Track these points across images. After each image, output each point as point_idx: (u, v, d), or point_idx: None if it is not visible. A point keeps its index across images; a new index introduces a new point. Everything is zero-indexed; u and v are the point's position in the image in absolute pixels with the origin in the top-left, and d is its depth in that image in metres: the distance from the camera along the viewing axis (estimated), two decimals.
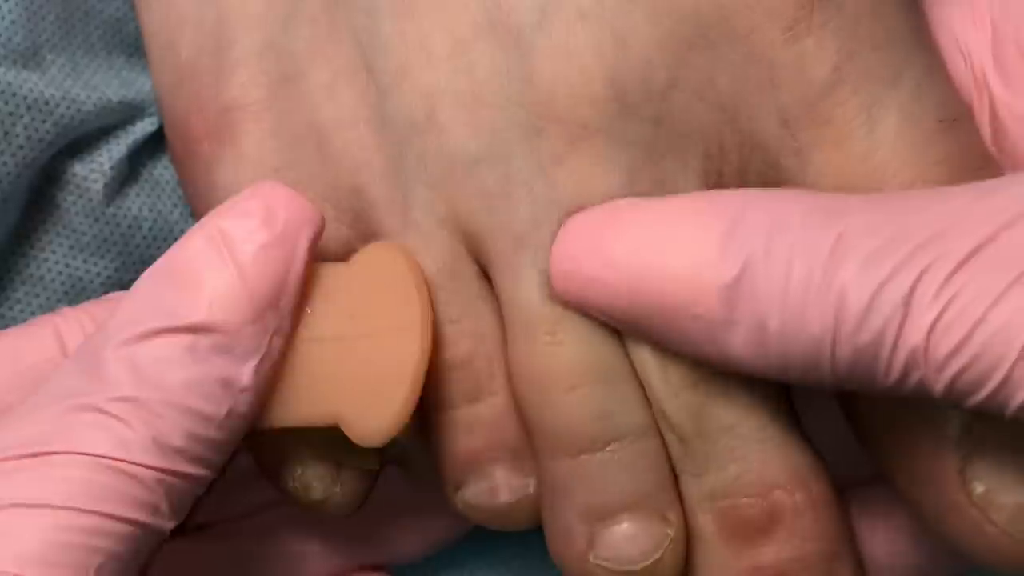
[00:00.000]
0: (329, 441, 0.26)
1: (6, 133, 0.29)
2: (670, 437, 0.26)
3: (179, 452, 0.24)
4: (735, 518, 0.26)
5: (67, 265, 0.31)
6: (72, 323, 0.27)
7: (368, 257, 0.26)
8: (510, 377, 0.26)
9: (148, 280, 0.25)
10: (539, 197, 0.26)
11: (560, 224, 0.26)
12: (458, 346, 0.27)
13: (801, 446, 0.26)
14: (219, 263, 0.25)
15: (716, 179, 0.26)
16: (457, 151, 0.26)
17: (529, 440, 0.27)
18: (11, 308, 0.31)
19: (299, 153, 0.27)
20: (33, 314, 0.31)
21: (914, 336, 0.22)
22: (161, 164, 0.32)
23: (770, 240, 0.23)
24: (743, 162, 0.26)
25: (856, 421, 0.27)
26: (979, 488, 0.24)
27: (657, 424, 0.26)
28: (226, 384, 0.24)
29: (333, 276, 0.26)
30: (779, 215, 0.23)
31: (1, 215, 0.30)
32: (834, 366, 0.23)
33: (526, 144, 0.26)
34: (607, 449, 0.26)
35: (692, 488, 0.26)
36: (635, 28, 0.25)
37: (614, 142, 0.25)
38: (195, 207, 0.30)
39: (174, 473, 0.24)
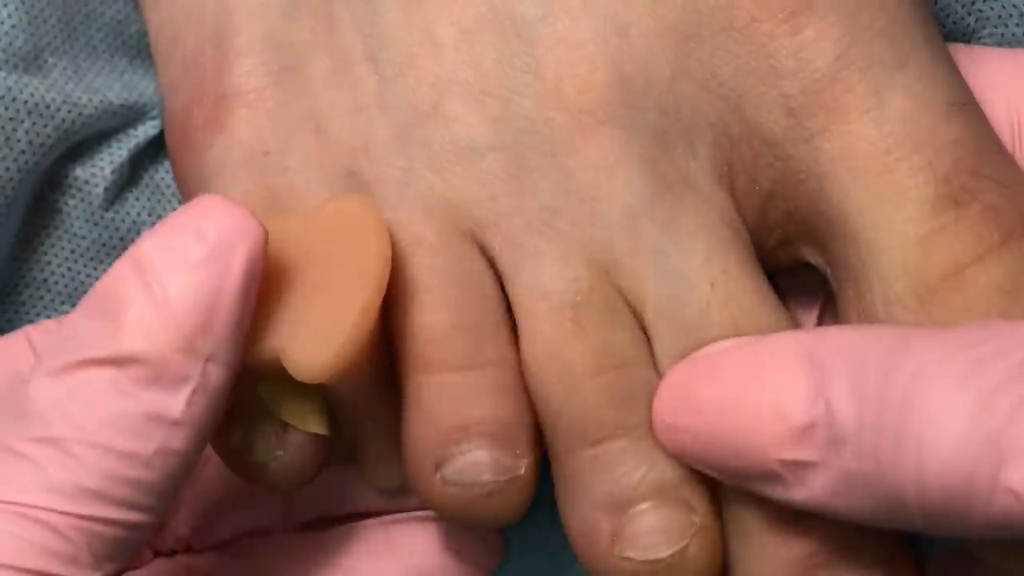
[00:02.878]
0: (276, 398, 0.26)
1: (7, 138, 0.29)
2: None
3: (98, 495, 0.22)
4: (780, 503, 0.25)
5: (69, 269, 0.31)
6: (45, 333, 0.27)
7: (333, 207, 0.26)
8: (529, 366, 0.26)
9: (78, 311, 0.24)
10: (553, 186, 0.26)
11: (575, 214, 0.26)
12: (465, 309, 0.26)
13: None
14: (141, 288, 0.23)
15: (727, 170, 0.26)
16: (465, 140, 0.26)
17: (545, 432, 0.26)
18: (16, 312, 0.31)
19: (295, 139, 0.27)
20: (38, 316, 0.31)
21: (1014, 478, 0.21)
22: (163, 168, 0.32)
23: (848, 383, 0.23)
24: (754, 155, 0.26)
25: None
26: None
27: None
28: (154, 419, 0.23)
29: (292, 223, 0.26)
30: (860, 357, 0.23)
31: (4, 220, 0.30)
32: (923, 511, 0.22)
33: (534, 134, 0.26)
34: (627, 437, 0.26)
35: None
36: (637, 20, 0.26)
37: (625, 132, 0.26)
38: (186, 200, 0.30)
39: (93, 519, 0.22)
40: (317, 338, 0.25)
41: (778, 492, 0.24)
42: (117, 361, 0.23)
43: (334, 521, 0.30)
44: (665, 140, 0.26)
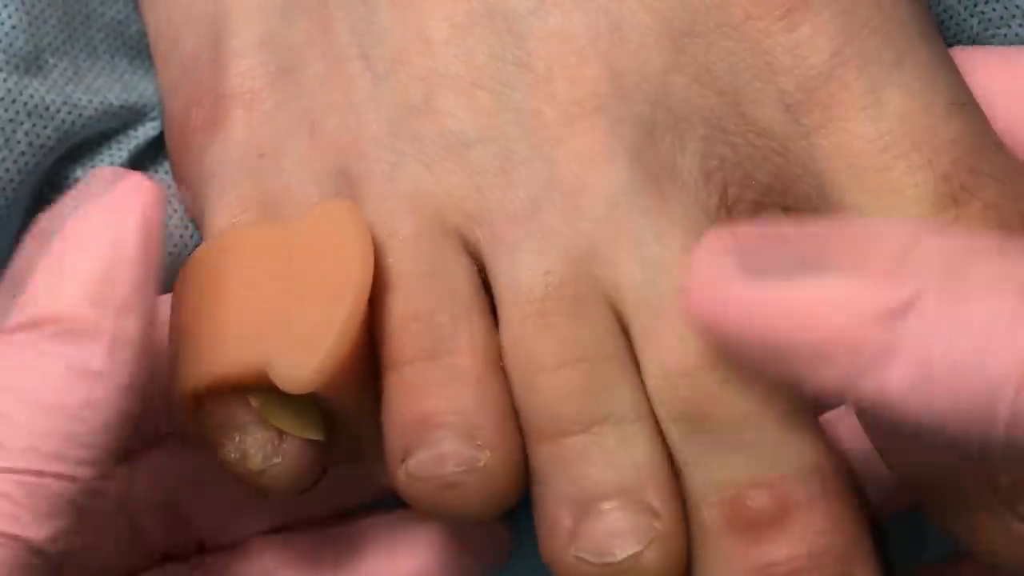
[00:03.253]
0: (268, 406, 0.26)
1: (7, 140, 0.29)
2: (672, 424, 0.25)
3: (29, 450, 0.23)
4: (742, 510, 0.25)
5: None
6: None
7: (316, 214, 0.26)
8: (504, 360, 0.26)
9: None
10: (538, 177, 0.26)
11: (558, 205, 0.26)
12: (420, 299, 0.26)
13: (816, 435, 0.25)
14: (43, 255, 0.24)
15: (716, 165, 0.26)
16: (454, 133, 0.26)
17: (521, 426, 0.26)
18: None
19: (290, 140, 0.28)
20: None
21: None
22: (163, 169, 0.32)
23: (947, 272, 0.21)
24: (750, 149, 0.26)
25: (873, 424, 0.26)
26: (1005, 480, 0.23)
27: (652, 411, 0.25)
28: (76, 371, 0.24)
29: (275, 232, 0.26)
30: (956, 250, 0.22)
31: (4, 221, 0.30)
32: (1013, 417, 0.21)
33: (523, 126, 0.26)
34: (590, 432, 0.25)
35: (696, 479, 0.25)
36: (630, 15, 0.26)
37: (612, 123, 0.26)
38: (186, 201, 0.30)
39: (28, 472, 0.23)
40: (302, 349, 0.25)
41: (836, 384, 0.22)
42: (31, 324, 0.24)
43: (351, 512, 0.30)
44: (653, 132, 0.26)
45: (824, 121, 0.25)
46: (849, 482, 0.25)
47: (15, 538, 0.23)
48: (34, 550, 0.23)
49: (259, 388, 0.26)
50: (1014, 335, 0.20)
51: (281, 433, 0.26)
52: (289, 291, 0.25)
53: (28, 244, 0.25)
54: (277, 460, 0.26)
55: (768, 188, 0.26)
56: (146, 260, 0.24)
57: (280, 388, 0.25)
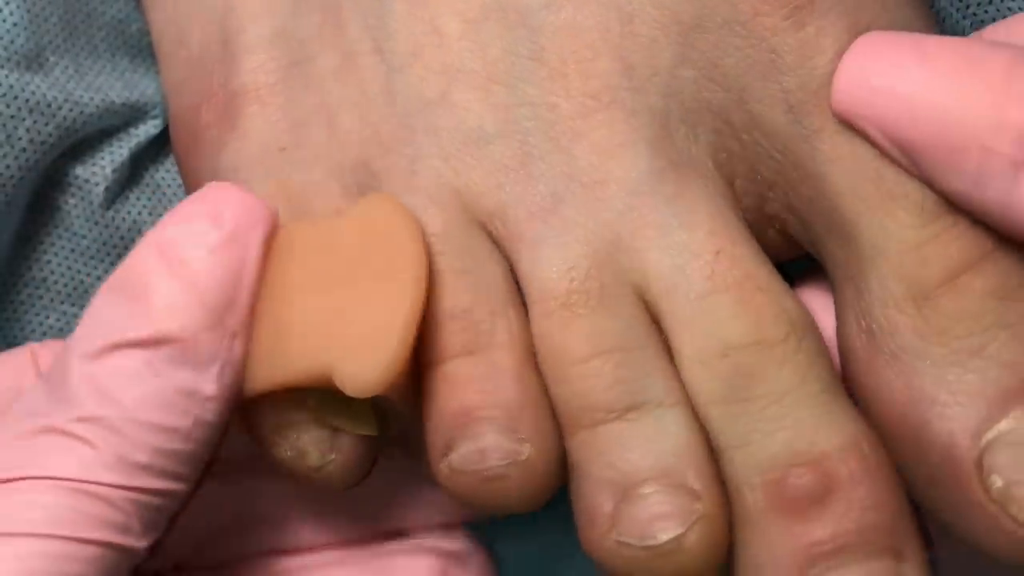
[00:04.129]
0: (325, 405, 0.26)
1: (8, 136, 0.29)
2: (710, 408, 0.25)
3: (146, 468, 0.24)
4: (785, 490, 0.25)
5: (69, 268, 0.31)
6: (48, 349, 0.27)
7: (363, 209, 0.26)
8: (536, 356, 0.26)
9: (102, 295, 0.25)
10: (557, 171, 0.26)
11: (579, 198, 0.26)
12: (458, 296, 0.26)
13: (853, 411, 0.25)
14: (167, 272, 0.24)
15: (725, 157, 0.26)
16: (472, 128, 0.26)
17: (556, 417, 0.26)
18: (15, 311, 0.31)
19: (307, 133, 0.28)
20: (37, 315, 0.31)
21: None
22: (163, 168, 0.32)
23: None
24: (755, 145, 0.26)
25: (868, 418, 0.26)
26: (998, 482, 0.23)
27: (687, 397, 0.25)
28: (189, 394, 0.24)
29: (326, 230, 0.26)
30: None
31: (4, 218, 0.30)
32: None
33: (539, 120, 0.26)
34: (626, 419, 0.25)
35: (736, 462, 0.25)
36: (640, 9, 0.26)
37: (628, 115, 0.26)
38: None
39: (142, 490, 0.24)
40: (365, 353, 0.25)
41: (964, 186, 0.23)
42: (150, 342, 0.24)
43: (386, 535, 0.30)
44: (668, 124, 0.26)
45: (824, 124, 0.25)
46: (887, 455, 0.25)
47: (129, 551, 0.24)
48: (137, 559, 0.24)
49: (317, 389, 0.26)
50: None
51: (335, 430, 0.26)
52: (346, 291, 0.25)
53: (148, 252, 0.25)
54: (332, 456, 0.26)
55: (772, 184, 0.26)
56: (258, 291, 0.25)
57: (346, 392, 0.25)
